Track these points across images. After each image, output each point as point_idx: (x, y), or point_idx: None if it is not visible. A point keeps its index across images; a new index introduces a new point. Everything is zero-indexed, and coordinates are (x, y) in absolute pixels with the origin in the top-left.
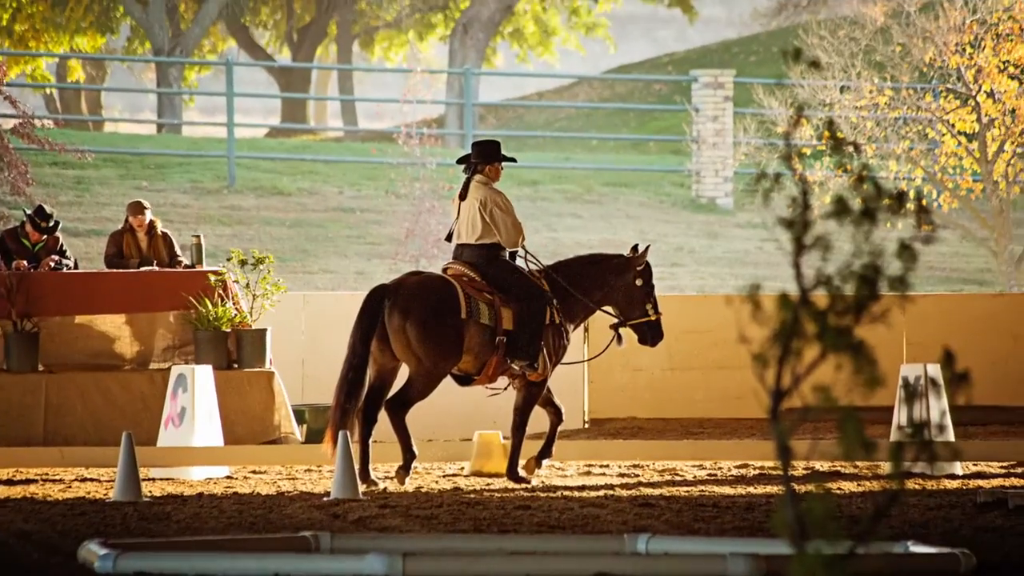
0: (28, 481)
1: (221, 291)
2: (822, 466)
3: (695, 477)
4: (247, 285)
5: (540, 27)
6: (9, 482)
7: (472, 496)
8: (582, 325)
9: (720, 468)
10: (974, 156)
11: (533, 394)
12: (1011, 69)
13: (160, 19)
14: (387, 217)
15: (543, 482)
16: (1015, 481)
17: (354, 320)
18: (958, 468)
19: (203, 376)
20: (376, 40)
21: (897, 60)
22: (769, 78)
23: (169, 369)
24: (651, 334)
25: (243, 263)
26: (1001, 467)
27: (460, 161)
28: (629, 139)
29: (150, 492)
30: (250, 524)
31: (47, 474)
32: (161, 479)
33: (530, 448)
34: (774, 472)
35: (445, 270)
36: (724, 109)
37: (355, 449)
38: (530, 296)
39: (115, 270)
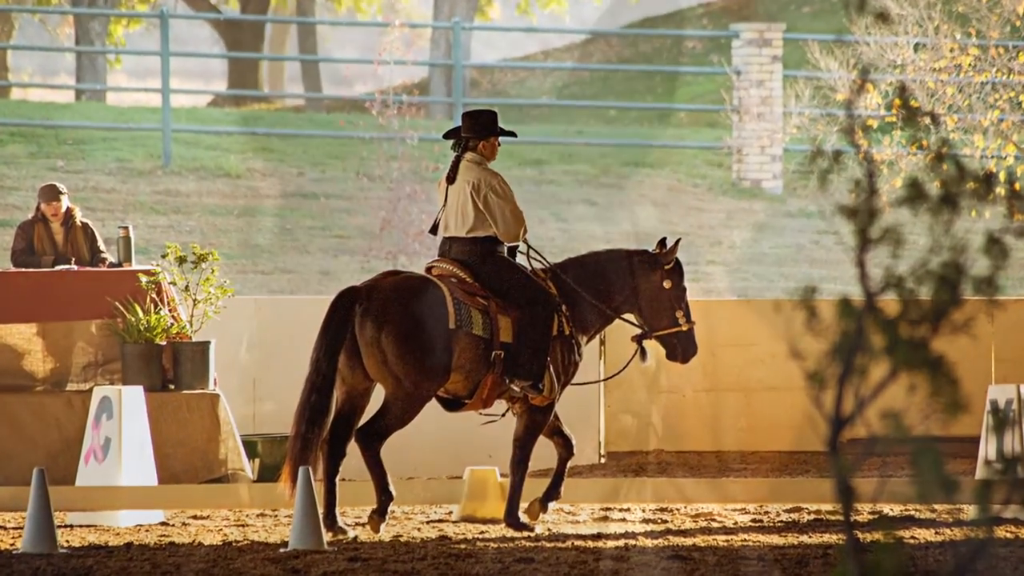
0: None
1: (154, 295)
2: (892, 510)
3: (736, 523)
4: (186, 288)
5: None
6: None
7: (462, 547)
8: (597, 337)
9: (767, 512)
10: None
11: (537, 422)
12: None
13: None
14: (358, 204)
15: (550, 530)
16: None
17: (318, 331)
18: None
19: (132, 399)
20: None
21: (984, 12)
22: (827, 34)
23: (91, 391)
24: (682, 347)
25: (181, 261)
26: None
27: (448, 136)
28: (655, 108)
29: (67, 542)
30: None
31: None
32: (81, 526)
33: (534, 488)
34: (833, 517)
35: (429, 269)
36: (772, 72)
37: (319, 489)
38: (533, 301)
39: (24, 269)
